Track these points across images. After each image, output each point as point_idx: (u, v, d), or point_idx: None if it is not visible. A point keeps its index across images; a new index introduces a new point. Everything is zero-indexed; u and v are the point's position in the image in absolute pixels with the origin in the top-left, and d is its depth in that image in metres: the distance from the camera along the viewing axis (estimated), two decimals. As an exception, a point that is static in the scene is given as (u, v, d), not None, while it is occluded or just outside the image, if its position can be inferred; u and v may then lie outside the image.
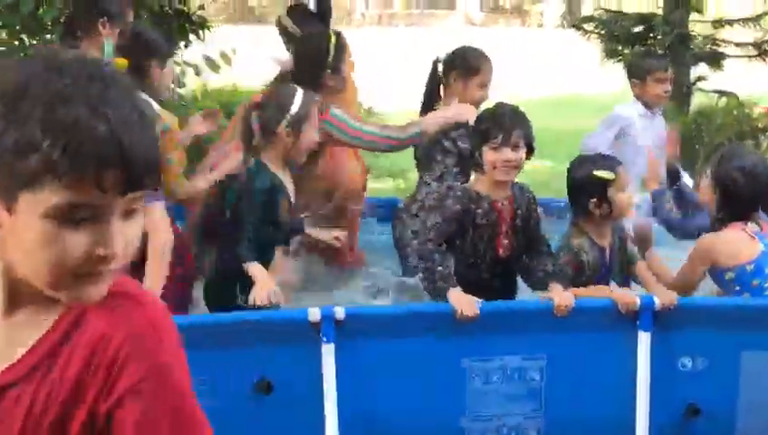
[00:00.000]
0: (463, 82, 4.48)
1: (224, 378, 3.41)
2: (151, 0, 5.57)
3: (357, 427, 3.49)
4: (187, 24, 6.04)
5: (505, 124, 3.70)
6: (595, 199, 3.82)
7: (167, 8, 5.90)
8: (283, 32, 4.75)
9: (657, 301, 3.62)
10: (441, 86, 4.64)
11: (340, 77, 4.44)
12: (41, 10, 5.31)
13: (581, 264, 3.84)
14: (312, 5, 4.77)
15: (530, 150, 3.78)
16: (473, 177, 3.97)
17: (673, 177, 4.67)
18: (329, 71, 4.35)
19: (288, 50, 4.67)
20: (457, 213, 3.71)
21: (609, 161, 3.97)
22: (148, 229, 3.50)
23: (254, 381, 3.43)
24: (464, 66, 4.53)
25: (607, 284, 3.94)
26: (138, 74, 3.92)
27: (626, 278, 4.09)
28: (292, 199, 3.98)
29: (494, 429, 3.61)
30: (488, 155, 3.70)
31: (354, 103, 4.90)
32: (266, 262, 3.78)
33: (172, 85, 6.07)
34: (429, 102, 4.62)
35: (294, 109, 3.84)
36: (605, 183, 3.81)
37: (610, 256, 3.97)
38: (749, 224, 3.92)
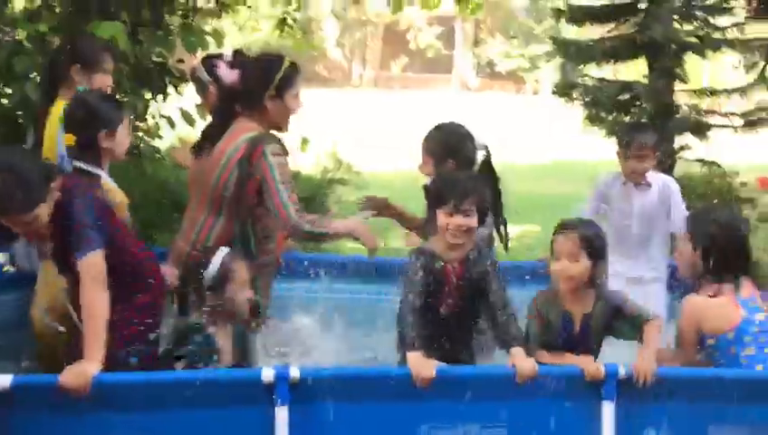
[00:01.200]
0: None
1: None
2: (131, 53, 5.50)
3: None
4: (164, 78, 6.00)
5: (458, 191, 3.79)
6: None
7: (146, 61, 5.85)
8: (196, 80, 4.61)
9: (621, 369, 3.51)
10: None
11: (283, 105, 4.23)
12: (15, 59, 5.27)
13: (542, 318, 3.84)
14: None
15: (481, 218, 3.86)
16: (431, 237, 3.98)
17: None
18: (272, 92, 4.19)
19: (201, 96, 4.64)
20: (422, 268, 3.78)
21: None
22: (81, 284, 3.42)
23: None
24: None
25: (577, 348, 3.82)
26: (88, 147, 3.91)
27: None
28: None
29: (454, 500, 3.48)
30: (441, 218, 3.80)
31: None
32: None
33: (147, 138, 6.03)
34: None
35: (212, 271, 3.81)
36: None
37: (582, 322, 3.85)
38: (732, 287, 3.86)
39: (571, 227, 3.84)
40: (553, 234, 3.87)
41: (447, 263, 3.81)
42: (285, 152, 4.16)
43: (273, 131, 4.23)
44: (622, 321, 3.85)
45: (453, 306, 3.84)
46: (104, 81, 4.62)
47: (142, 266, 3.76)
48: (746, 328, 3.80)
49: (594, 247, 3.79)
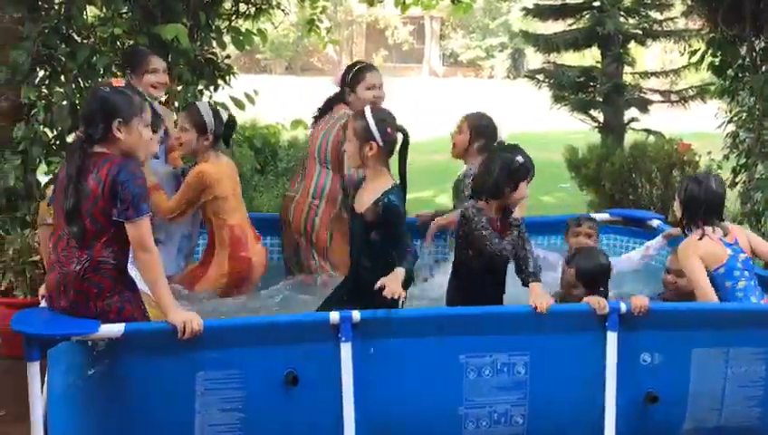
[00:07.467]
0: None
1: (256, 372, 3.21)
2: (188, 50, 5.35)
3: (371, 415, 3.29)
4: (216, 71, 5.84)
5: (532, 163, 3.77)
6: None
7: (199, 57, 5.69)
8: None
9: (623, 306, 3.46)
10: None
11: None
12: (95, 58, 5.10)
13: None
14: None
15: None
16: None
17: None
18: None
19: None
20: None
21: None
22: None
23: (283, 374, 3.22)
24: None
25: None
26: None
27: None
28: None
29: (486, 415, 3.42)
30: (524, 189, 3.73)
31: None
32: None
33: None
34: None
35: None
36: None
37: None
38: (715, 230, 3.83)
39: (573, 261, 3.88)
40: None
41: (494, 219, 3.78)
42: None
43: None
44: None
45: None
46: (149, 79, 4.45)
47: None
48: (734, 264, 3.76)
49: (589, 280, 3.81)
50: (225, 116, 4.33)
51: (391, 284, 3.40)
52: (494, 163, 3.71)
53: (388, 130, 3.66)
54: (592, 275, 3.79)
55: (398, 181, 3.73)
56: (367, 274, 3.65)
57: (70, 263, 3.09)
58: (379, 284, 3.40)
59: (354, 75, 4.60)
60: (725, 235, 3.84)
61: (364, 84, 4.56)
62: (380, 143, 3.64)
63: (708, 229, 3.84)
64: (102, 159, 3.09)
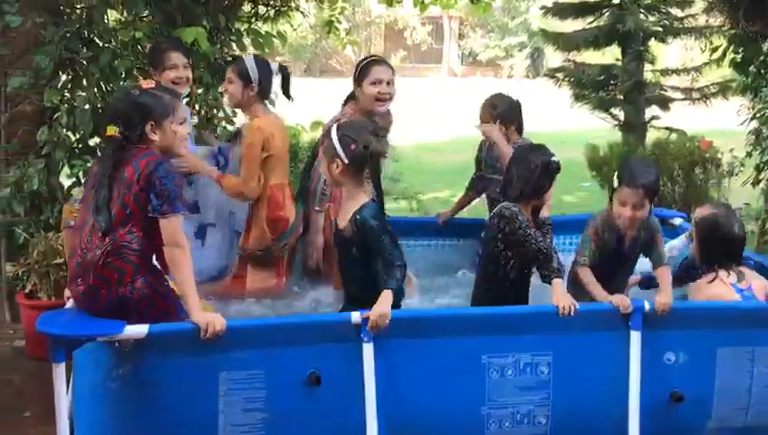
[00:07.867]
0: None
1: (278, 372, 3.22)
2: (208, 53, 5.37)
3: (393, 415, 3.28)
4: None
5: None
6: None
7: (219, 60, 5.71)
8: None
9: (646, 305, 3.44)
10: None
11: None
12: (116, 61, 5.14)
13: (598, 237, 3.85)
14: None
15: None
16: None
17: None
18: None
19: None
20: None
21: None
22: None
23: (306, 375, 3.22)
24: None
25: (619, 264, 3.90)
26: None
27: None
28: None
29: (509, 415, 3.40)
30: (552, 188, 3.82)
31: None
32: None
33: (224, 124, 5.89)
34: None
35: None
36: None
37: (631, 245, 3.89)
38: (730, 274, 3.81)
39: (636, 180, 3.74)
40: (619, 184, 3.79)
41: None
42: None
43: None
44: (650, 250, 3.91)
45: None
46: (169, 75, 4.34)
47: None
48: None
49: (654, 194, 3.80)
50: (275, 68, 4.29)
51: (378, 308, 3.26)
52: (534, 164, 3.72)
53: (352, 146, 3.47)
54: (656, 189, 3.83)
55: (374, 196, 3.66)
56: (355, 288, 3.65)
57: (92, 248, 3.13)
58: (366, 314, 3.24)
59: (361, 70, 4.39)
60: (740, 280, 3.79)
61: (369, 79, 4.34)
62: (345, 161, 3.48)
63: (722, 273, 3.81)
64: (142, 152, 3.18)
